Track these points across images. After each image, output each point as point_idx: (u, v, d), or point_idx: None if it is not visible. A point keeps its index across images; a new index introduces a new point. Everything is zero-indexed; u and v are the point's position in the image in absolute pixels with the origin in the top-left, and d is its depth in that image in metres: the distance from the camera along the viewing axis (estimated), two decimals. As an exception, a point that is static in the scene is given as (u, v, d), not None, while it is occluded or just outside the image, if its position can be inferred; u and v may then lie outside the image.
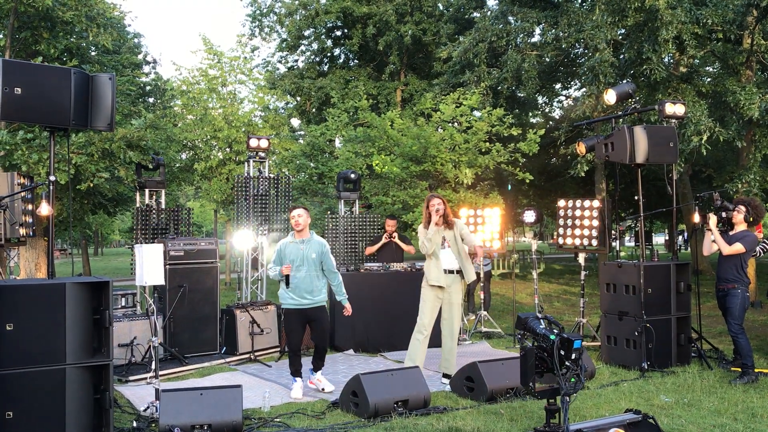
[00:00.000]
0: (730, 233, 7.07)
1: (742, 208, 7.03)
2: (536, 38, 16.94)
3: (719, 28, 12.89)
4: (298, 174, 19.33)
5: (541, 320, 4.46)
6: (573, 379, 4.21)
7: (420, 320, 6.84)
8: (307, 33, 27.90)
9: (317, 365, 6.78)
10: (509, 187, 15.48)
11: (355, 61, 29.20)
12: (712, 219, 7.06)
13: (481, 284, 12.21)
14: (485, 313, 10.35)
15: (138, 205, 9.94)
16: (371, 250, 10.02)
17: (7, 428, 4.59)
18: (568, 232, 9.14)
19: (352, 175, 10.73)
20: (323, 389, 6.65)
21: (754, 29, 13.22)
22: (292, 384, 6.58)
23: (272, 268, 6.59)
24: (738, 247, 6.89)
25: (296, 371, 6.61)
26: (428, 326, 6.80)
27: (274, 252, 6.66)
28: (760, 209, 7.08)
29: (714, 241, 7.06)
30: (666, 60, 14.17)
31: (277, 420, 5.48)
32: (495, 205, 13.77)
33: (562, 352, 4.21)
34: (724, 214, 7.13)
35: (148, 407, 5.64)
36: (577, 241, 9.02)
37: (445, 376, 6.79)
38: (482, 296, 12.92)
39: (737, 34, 13.26)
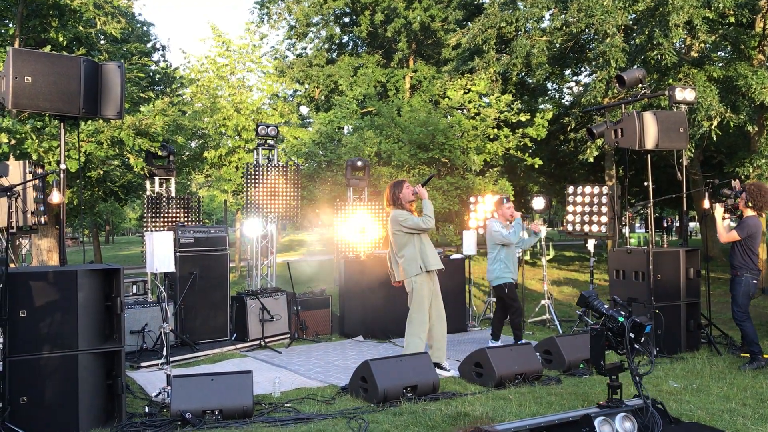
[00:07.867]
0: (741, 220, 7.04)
1: (744, 195, 6.98)
2: (546, 24, 16.79)
3: (731, 12, 12.75)
4: (307, 162, 19.32)
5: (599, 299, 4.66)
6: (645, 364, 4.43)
7: (421, 317, 6.49)
8: (315, 20, 27.81)
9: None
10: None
11: (364, 48, 29.10)
12: (718, 209, 7.04)
13: None
14: (494, 299, 10.34)
15: (148, 193, 10.01)
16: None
17: (21, 413, 4.67)
18: (577, 218, 9.11)
19: (359, 163, 10.73)
20: None
21: (766, 13, 13.06)
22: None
23: None
24: (732, 235, 6.87)
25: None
26: (428, 323, 6.58)
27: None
28: (758, 195, 6.94)
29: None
30: (677, 45, 14.03)
31: (287, 405, 5.53)
32: (501, 193, 13.76)
33: (632, 335, 4.37)
34: (730, 202, 7.10)
35: (159, 393, 5.71)
36: (586, 228, 8.99)
37: (437, 366, 6.38)
38: None
39: (749, 18, 13.10)
